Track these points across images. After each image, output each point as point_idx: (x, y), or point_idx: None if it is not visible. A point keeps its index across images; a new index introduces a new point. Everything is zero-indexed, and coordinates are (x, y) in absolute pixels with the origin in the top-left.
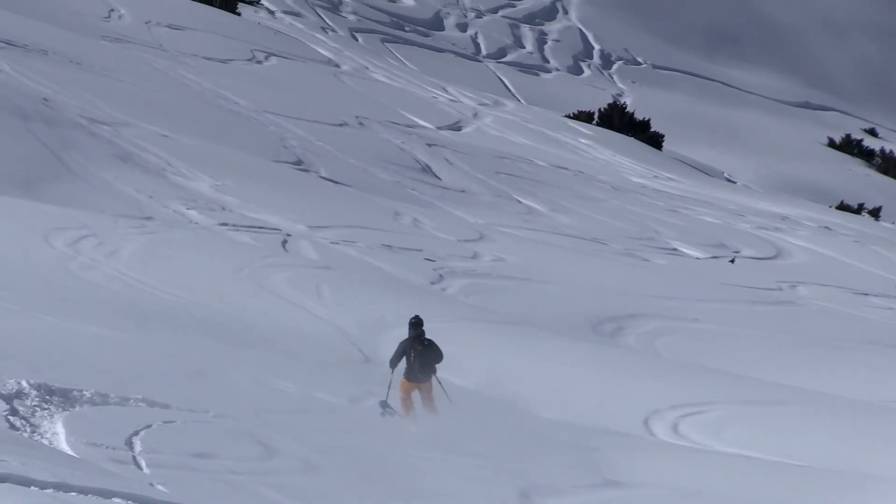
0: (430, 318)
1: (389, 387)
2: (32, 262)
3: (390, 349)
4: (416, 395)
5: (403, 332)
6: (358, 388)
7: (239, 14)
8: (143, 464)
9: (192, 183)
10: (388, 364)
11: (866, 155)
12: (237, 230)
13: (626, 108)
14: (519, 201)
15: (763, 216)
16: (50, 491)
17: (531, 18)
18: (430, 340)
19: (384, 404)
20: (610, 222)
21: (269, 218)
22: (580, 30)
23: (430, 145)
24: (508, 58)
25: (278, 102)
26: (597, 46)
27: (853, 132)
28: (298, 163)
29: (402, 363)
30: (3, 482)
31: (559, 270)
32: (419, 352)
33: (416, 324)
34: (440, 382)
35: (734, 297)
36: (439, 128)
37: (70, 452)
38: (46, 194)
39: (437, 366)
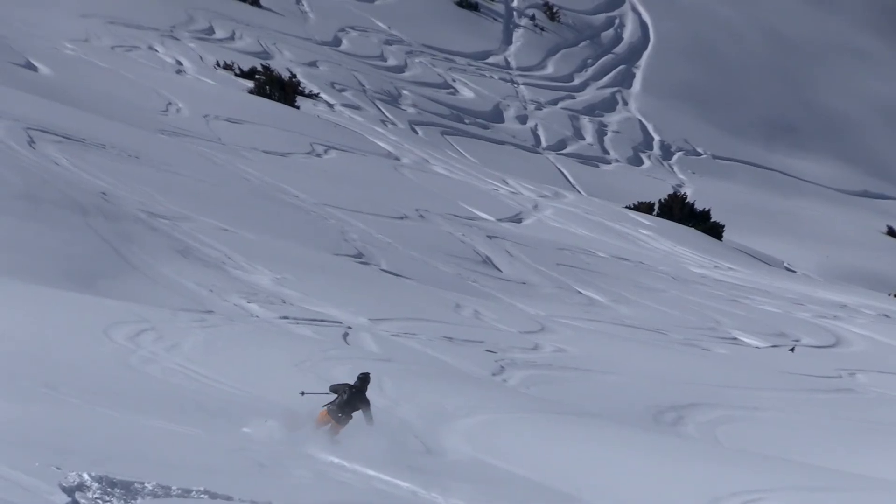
0: (492, 410)
1: (305, 392)
2: (92, 356)
3: (452, 440)
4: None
5: (464, 424)
6: (420, 479)
7: (298, 107)
8: None
9: (252, 276)
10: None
11: None
12: (298, 323)
13: (686, 198)
14: (580, 292)
15: (822, 304)
16: None
17: (591, 110)
18: (366, 398)
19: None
20: (670, 312)
21: (329, 311)
22: (640, 121)
23: (490, 237)
24: (568, 149)
25: (338, 195)
26: (656, 137)
27: None
28: (359, 255)
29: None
30: None
31: (620, 361)
32: (349, 395)
33: (362, 379)
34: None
35: (794, 385)
36: (499, 220)
37: None
38: (106, 289)
39: (364, 417)
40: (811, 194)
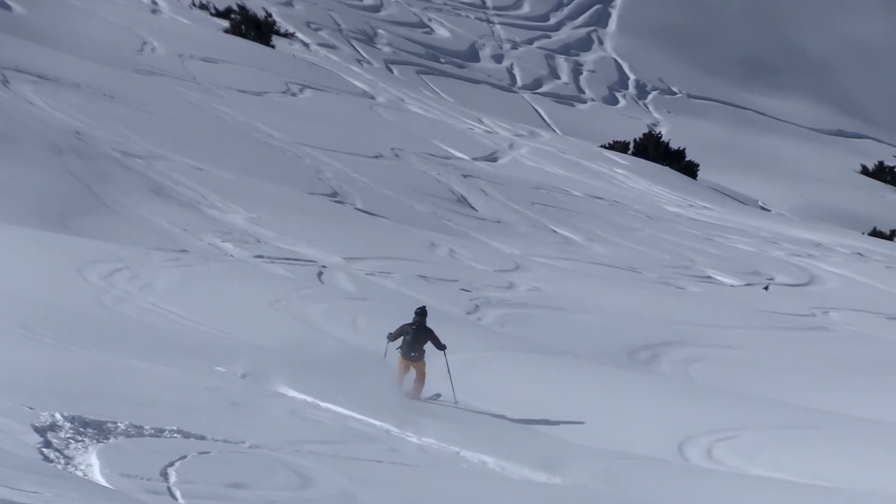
0: (467, 349)
1: (385, 353)
2: (66, 295)
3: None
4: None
5: (442, 363)
6: (395, 418)
7: (273, 46)
8: (178, 494)
9: (226, 216)
10: (388, 339)
11: None
12: (273, 262)
13: (661, 137)
14: (554, 231)
15: (797, 243)
16: None
17: (566, 49)
18: (427, 328)
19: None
20: (645, 251)
21: (304, 250)
22: (615, 60)
23: (465, 176)
24: (544, 89)
25: (313, 135)
26: (632, 77)
27: (886, 159)
28: (334, 195)
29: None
30: None
31: (595, 299)
32: (413, 332)
33: (420, 313)
34: (451, 378)
35: (768, 323)
36: (475, 159)
37: (104, 484)
38: (80, 228)
39: (426, 349)
40: (786, 133)
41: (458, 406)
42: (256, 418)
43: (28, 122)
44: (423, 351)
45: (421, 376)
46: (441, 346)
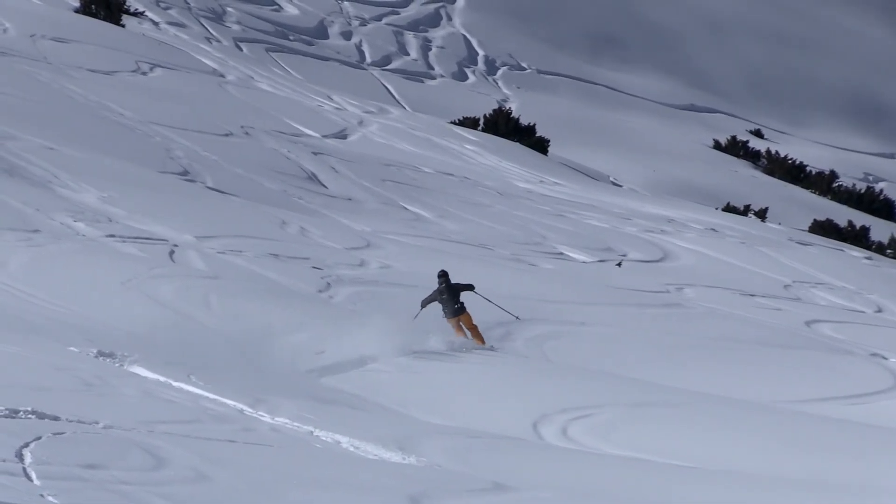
0: (318, 326)
1: (416, 315)
2: None
3: (279, 357)
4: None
5: (292, 340)
6: (248, 397)
7: (123, 26)
8: (34, 476)
9: (78, 195)
10: (421, 305)
11: (752, 156)
12: (124, 242)
13: (511, 113)
14: (405, 208)
15: (649, 219)
16: None
17: (415, 25)
18: (452, 284)
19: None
20: (496, 228)
21: (156, 229)
22: (464, 36)
23: (315, 154)
24: (393, 65)
25: (164, 113)
26: (481, 52)
27: (739, 134)
28: (185, 173)
29: (437, 307)
30: None
31: None
32: (443, 291)
33: (442, 275)
34: (494, 303)
35: (621, 300)
36: (325, 136)
37: None
38: None
39: (462, 294)
40: (637, 108)
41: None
42: (110, 398)
43: None
44: (462, 303)
45: (473, 326)
46: (470, 288)
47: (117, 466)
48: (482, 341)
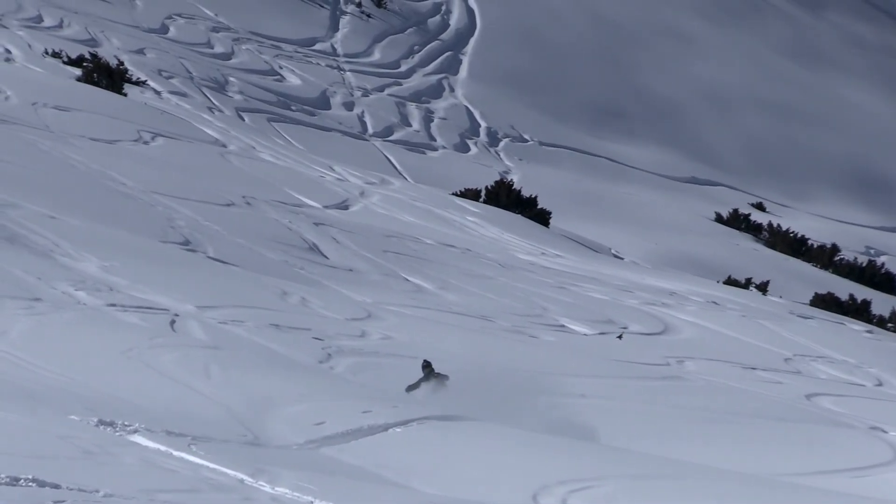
0: (319, 397)
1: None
2: None
3: (279, 427)
4: None
5: (292, 411)
6: (248, 467)
7: (125, 95)
8: None
9: (79, 264)
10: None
11: (754, 229)
12: (125, 311)
13: (512, 185)
14: (407, 279)
15: (650, 292)
16: None
17: (417, 97)
18: (435, 373)
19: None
20: (498, 299)
21: (157, 298)
22: (466, 107)
23: (317, 224)
24: (395, 136)
25: (165, 183)
26: (483, 124)
27: (740, 207)
28: (186, 243)
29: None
30: None
31: (447, 348)
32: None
33: (425, 366)
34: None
35: (622, 372)
36: (326, 207)
37: None
38: None
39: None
40: (638, 181)
41: (307, 453)
42: (110, 467)
43: None
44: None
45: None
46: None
47: None
48: None
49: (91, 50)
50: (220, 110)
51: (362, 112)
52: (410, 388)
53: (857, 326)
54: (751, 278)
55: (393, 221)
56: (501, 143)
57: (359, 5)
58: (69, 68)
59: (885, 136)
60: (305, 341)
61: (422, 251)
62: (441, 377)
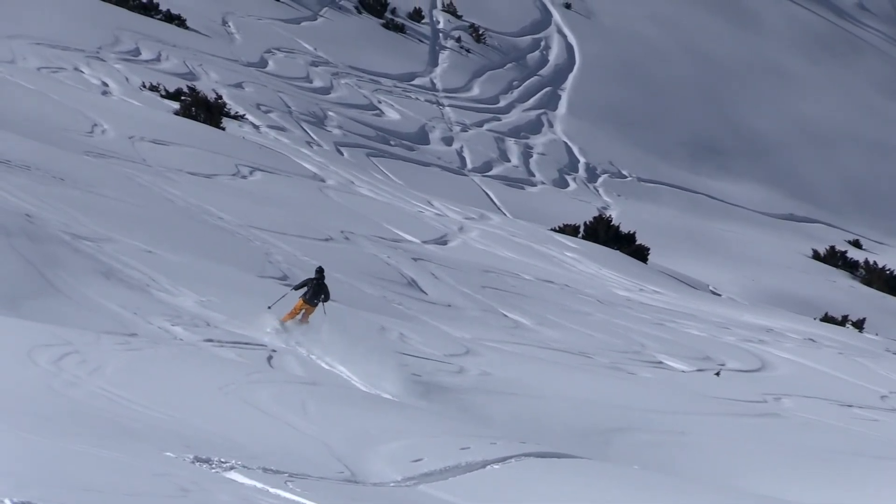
0: (417, 433)
1: (280, 298)
2: (16, 379)
3: (377, 465)
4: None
5: (389, 447)
6: None
7: (223, 129)
8: None
9: (176, 299)
10: (292, 289)
11: (850, 266)
12: (222, 346)
13: (611, 221)
14: (505, 315)
15: (748, 328)
16: None
17: (516, 132)
18: (325, 284)
19: (269, 307)
20: (596, 336)
21: (254, 334)
22: (565, 143)
23: (415, 259)
24: (494, 171)
25: (263, 217)
26: (582, 160)
27: (837, 244)
28: (284, 278)
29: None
30: None
31: (545, 384)
32: (314, 286)
33: (320, 271)
34: (324, 310)
35: (720, 409)
36: (425, 242)
37: None
38: (29, 311)
39: (321, 299)
40: (737, 217)
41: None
42: None
43: None
44: (317, 304)
45: (308, 315)
46: (328, 298)
47: None
48: (307, 320)
49: (189, 83)
50: (319, 145)
51: (461, 147)
52: (298, 286)
53: None
54: (847, 316)
55: (491, 257)
56: (600, 179)
57: (458, 40)
58: (167, 102)
59: None
60: (403, 377)
61: (520, 287)
62: (323, 289)
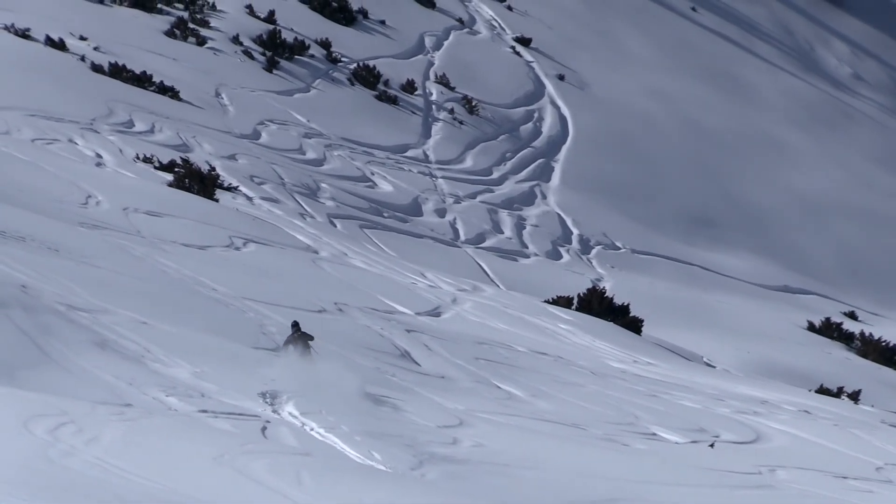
0: None
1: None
2: (11, 449)
3: None
4: None
5: None
6: None
7: (217, 200)
8: None
9: (170, 369)
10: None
11: (846, 338)
12: (216, 417)
13: (605, 292)
14: (498, 387)
15: (742, 400)
16: None
17: (510, 204)
18: (304, 333)
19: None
20: (589, 407)
21: (248, 404)
22: (559, 215)
23: (409, 331)
24: (487, 243)
25: (257, 289)
26: (576, 231)
27: (833, 315)
28: (278, 349)
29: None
30: None
31: (539, 456)
32: (298, 339)
33: (295, 324)
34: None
35: (714, 481)
36: (418, 313)
37: None
38: (25, 381)
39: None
40: (731, 289)
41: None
42: None
43: None
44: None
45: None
46: (312, 339)
47: None
48: None
49: (183, 155)
50: (312, 216)
51: (454, 219)
52: (285, 344)
53: None
54: (843, 387)
55: (485, 329)
56: (594, 251)
57: (451, 112)
58: (160, 173)
59: None
60: (397, 448)
61: (514, 358)
62: (306, 336)
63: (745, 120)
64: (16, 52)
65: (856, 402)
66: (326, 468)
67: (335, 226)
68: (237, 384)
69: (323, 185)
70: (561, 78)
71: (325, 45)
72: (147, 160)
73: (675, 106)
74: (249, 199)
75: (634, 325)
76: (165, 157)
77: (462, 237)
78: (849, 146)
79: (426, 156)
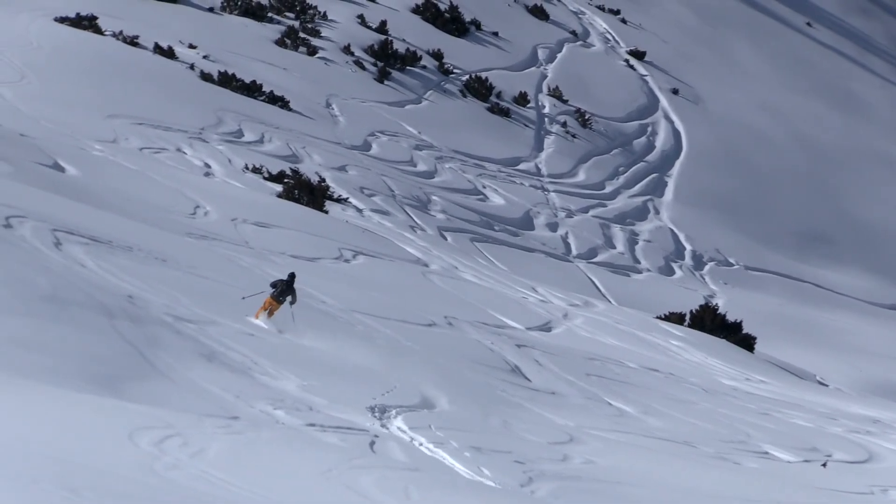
0: None
1: (256, 294)
2: (116, 461)
3: None
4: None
5: None
6: None
7: (326, 212)
8: None
9: (278, 382)
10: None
11: None
12: (324, 431)
13: (717, 309)
14: (609, 403)
15: (855, 419)
16: None
17: (622, 218)
18: (293, 288)
19: (244, 297)
20: (701, 425)
21: (356, 418)
22: (671, 230)
23: (519, 346)
24: (599, 258)
25: (366, 301)
26: (688, 247)
27: None
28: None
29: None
30: None
31: (649, 473)
32: (282, 287)
33: (291, 275)
34: (292, 313)
35: (825, 501)
36: (529, 328)
37: None
38: (131, 393)
39: (289, 300)
40: (844, 307)
41: None
42: None
43: (79, 285)
44: (283, 301)
45: (274, 311)
46: (294, 301)
47: None
48: (269, 319)
49: (292, 166)
50: (423, 229)
51: (566, 233)
52: (271, 284)
53: None
54: None
55: (596, 344)
56: (707, 267)
57: (564, 125)
58: (269, 184)
59: None
60: (507, 464)
61: (625, 375)
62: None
63: (857, 136)
64: (124, 60)
65: None
66: (435, 484)
67: (446, 239)
68: (345, 398)
69: (434, 197)
70: (675, 92)
71: (437, 56)
72: (256, 170)
73: (788, 121)
74: (359, 210)
75: (747, 343)
76: (275, 167)
77: (574, 252)
78: None
79: (538, 169)
